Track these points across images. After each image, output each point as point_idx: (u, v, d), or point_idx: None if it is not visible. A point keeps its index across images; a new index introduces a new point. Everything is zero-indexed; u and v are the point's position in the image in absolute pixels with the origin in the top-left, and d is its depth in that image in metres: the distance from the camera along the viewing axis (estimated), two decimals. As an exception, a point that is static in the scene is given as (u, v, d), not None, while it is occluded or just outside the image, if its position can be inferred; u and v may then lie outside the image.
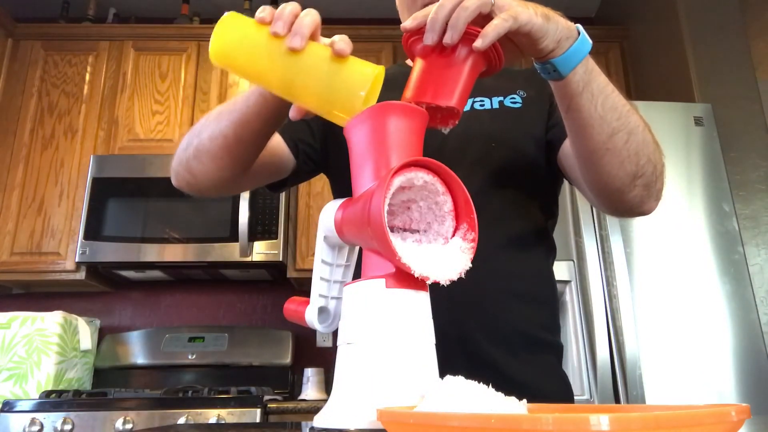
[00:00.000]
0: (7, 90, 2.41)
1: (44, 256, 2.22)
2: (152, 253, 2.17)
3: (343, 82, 0.58)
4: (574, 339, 1.81)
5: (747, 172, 2.04)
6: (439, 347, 0.52)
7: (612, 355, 1.76)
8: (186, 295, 2.53)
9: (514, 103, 0.87)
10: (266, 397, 1.79)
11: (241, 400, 1.72)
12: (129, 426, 1.63)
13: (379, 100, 0.57)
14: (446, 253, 0.51)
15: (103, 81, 2.46)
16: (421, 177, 0.51)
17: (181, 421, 1.65)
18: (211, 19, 2.66)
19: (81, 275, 2.22)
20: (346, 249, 0.60)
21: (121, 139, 2.38)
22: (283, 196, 2.23)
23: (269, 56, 0.60)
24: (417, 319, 0.50)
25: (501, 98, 0.87)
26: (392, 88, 0.67)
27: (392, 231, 0.53)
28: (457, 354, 0.73)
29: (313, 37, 0.60)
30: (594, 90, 0.64)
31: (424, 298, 0.51)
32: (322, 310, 0.58)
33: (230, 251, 2.17)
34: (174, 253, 2.17)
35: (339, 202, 0.57)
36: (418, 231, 0.54)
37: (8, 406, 1.68)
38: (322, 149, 0.90)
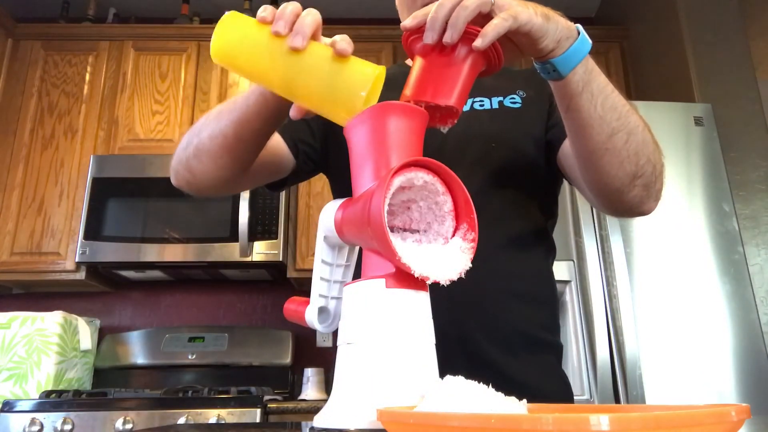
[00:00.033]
0: (7, 90, 2.41)
1: (44, 256, 2.22)
2: (152, 253, 2.17)
3: (344, 82, 0.58)
4: (574, 339, 1.81)
5: (747, 172, 2.04)
6: (439, 347, 0.52)
7: (612, 355, 1.76)
8: (186, 295, 2.53)
9: (514, 103, 0.87)
10: (266, 397, 1.79)
11: (241, 400, 1.72)
12: (129, 426, 1.63)
13: (379, 100, 0.57)
14: (446, 253, 0.51)
15: (103, 81, 2.46)
16: (421, 177, 0.51)
17: (181, 421, 1.65)
18: (211, 19, 2.66)
19: (81, 275, 2.22)
20: (346, 249, 0.60)
21: (121, 139, 2.38)
22: (283, 196, 2.23)
23: (270, 55, 0.60)
24: (417, 319, 0.50)
25: (501, 98, 0.87)
26: (392, 88, 0.67)
27: (392, 231, 0.53)
28: (457, 354, 0.73)
29: (314, 37, 0.60)
30: (594, 90, 0.64)
31: (424, 298, 0.51)
32: (322, 310, 0.58)
33: (230, 251, 2.17)
34: (174, 253, 2.17)
35: (339, 202, 0.57)
36: (418, 231, 0.54)
37: (8, 406, 1.68)
38: (322, 149, 0.90)
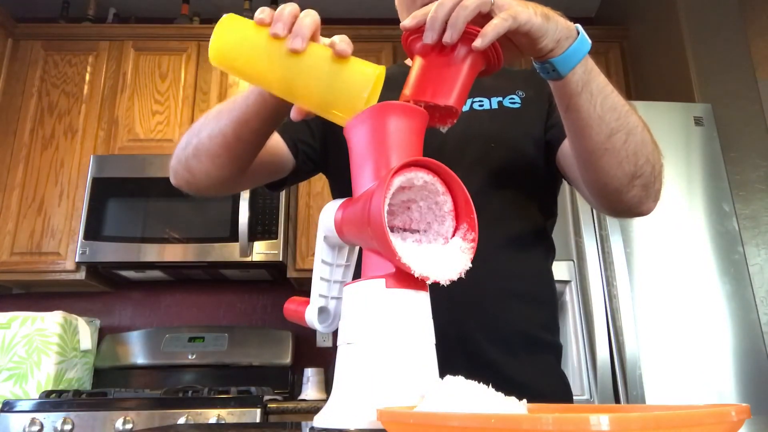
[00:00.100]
0: (7, 90, 2.41)
1: (44, 256, 2.22)
2: (152, 253, 2.17)
3: (344, 82, 0.58)
4: (574, 339, 1.81)
5: (747, 172, 2.04)
6: (439, 347, 0.52)
7: (612, 355, 1.76)
8: (186, 295, 2.53)
9: (513, 103, 0.87)
10: (266, 397, 1.79)
11: (241, 400, 1.72)
12: (129, 426, 1.63)
13: (379, 100, 0.57)
14: (446, 253, 0.51)
15: (103, 81, 2.46)
16: (421, 177, 0.51)
17: (181, 421, 1.65)
18: (211, 19, 2.66)
19: (81, 275, 2.22)
20: (346, 249, 0.60)
21: (121, 139, 2.38)
22: (283, 196, 2.23)
23: (269, 58, 0.59)
24: (417, 319, 0.50)
25: (500, 98, 0.87)
26: (392, 88, 0.67)
27: (392, 231, 0.53)
28: (457, 354, 0.73)
29: (313, 38, 0.59)
30: (593, 90, 0.64)
31: (424, 298, 0.51)
32: (322, 310, 0.58)
33: (230, 251, 2.17)
34: (174, 253, 2.17)
35: (339, 202, 0.57)
36: (418, 231, 0.54)
37: (8, 406, 1.68)
38: (321, 149, 0.90)
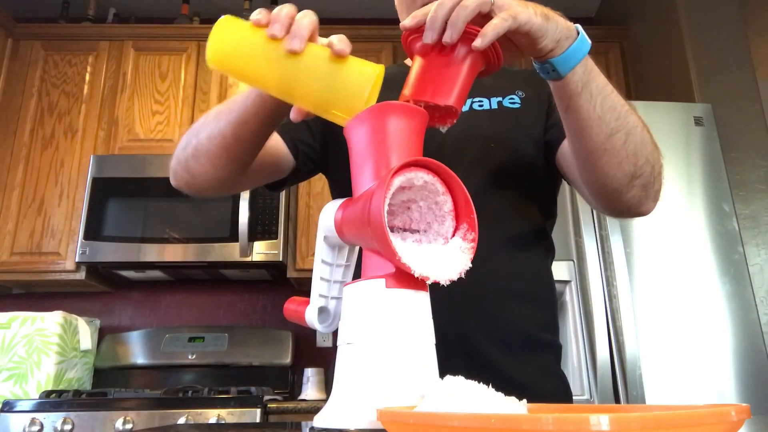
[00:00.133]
0: (7, 90, 2.41)
1: (44, 256, 2.22)
2: (152, 253, 2.17)
3: (343, 82, 0.58)
4: (574, 339, 1.81)
5: (747, 172, 2.04)
6: (439, 347, 0.52)
7: (612, 355, 1.76)
8: (186, 295, 2.53)
9: (513, 103, 0.87)
10: (266, 397, 1.79)
11: (241, 400, 1.72)
12: (129, 426, 1.64)
13: (378, 100, 0.57)
14: (446, 253, 0.51)
15: (103, 81, 2.46)
16: (421, 177, 0.51)
17: (181, 421, 1.65)
18: (211, 19, 2.64)
19: (81, 275, 2.22)
20: (346, 249, 0.60)
21: (121, 139, 2.38)
22: (283, 196, 2.23)
23: (267, 59, 0.59)
24: (417, 319, 0.50)
25: (500, 98, 0.87)
26: (392, 88, 0.67)
27: (392, 231, 0.53)
28: (457, 354, 0.73)
29: (311, 39, 0.59)
30: (593, 90, 0.64)
31: (424, 298, 0.51)
32: (322, 310, 0.58)
33: (230, 251, 2.17)
34: (174, 253, 2.17)
35: (339, 202, 0.57)
36: (418, 231, 0.54)
37: (8, 406, 1.68)
38: (321, 149, 0.90)
